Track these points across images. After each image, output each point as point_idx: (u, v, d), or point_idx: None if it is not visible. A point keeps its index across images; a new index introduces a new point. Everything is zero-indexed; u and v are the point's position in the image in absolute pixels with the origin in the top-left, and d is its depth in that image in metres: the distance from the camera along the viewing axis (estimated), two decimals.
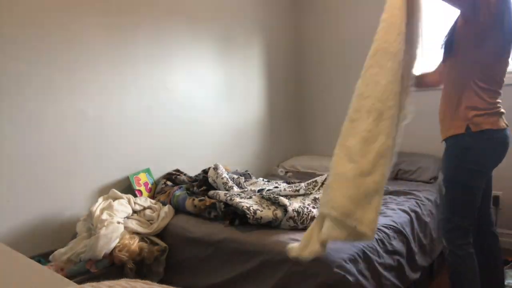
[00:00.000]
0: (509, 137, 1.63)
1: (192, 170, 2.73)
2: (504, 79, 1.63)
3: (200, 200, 2.14)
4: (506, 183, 2.61)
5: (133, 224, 2.03)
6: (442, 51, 1.73)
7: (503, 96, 1.64)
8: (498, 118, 1.60)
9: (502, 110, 1.63)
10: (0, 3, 1.84)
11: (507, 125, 1.63)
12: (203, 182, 2.42)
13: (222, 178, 2.35)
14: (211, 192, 2.21)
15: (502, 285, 1.85)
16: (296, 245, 1.53)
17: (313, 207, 1.97)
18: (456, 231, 1.69)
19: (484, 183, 1.69)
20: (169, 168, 2.65)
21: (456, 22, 1.65)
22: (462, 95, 1.61)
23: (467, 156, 1.61)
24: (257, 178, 2.70)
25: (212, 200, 2.11)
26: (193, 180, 2.52)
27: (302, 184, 2.25)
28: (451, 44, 1.65)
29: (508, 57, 1.62)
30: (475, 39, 1.56)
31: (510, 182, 2.64)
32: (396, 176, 2.92)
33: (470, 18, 1.54)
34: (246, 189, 2.32)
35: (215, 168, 2.45)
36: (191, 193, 2.30)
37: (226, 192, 2.19)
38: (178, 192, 2.29)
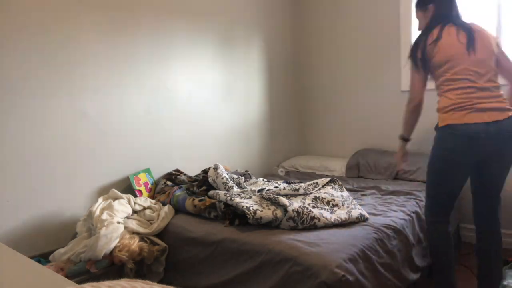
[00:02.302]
0: (480, 132, 1.70)
1: (192, 170, 2.73)
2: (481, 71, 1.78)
3: (200, 200, 2.14)
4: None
5: (133, 224, 2.03)
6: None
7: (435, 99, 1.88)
8: (466, 113, 1.72)
9: (482, 106, 1.71)
10: None
11: (487, 121, 1.70)
12: (203, 182, 2.42)
13: (222, 178, 2.36)
14: (211, 192, 2.21)
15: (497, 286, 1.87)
16: None
17: (313, 207, 1.97)
18: (427, 209, 1.96)
19: (461, 176, 1.83)
20: (169, 168, 2.65)
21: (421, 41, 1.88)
22: (439, 97, 1.88)
23: (436, 145, 1.87)
24: (257, 178, 2.70)
25: (212, 200, 2.11)
26: (193, 180, 2.52)
27: (302, 184, 2.25)
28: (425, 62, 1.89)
29: (467, 50, 1.76)
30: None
31: (508, 182, 2.65)
32: (396, 176, 2.92)
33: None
34: (246, 189, 2.32)
35: (215, 168, 2.45)
36: (191, 193, 2.31)
37: (226, 192, 2.19)
38: (178, 192, 2.29)
